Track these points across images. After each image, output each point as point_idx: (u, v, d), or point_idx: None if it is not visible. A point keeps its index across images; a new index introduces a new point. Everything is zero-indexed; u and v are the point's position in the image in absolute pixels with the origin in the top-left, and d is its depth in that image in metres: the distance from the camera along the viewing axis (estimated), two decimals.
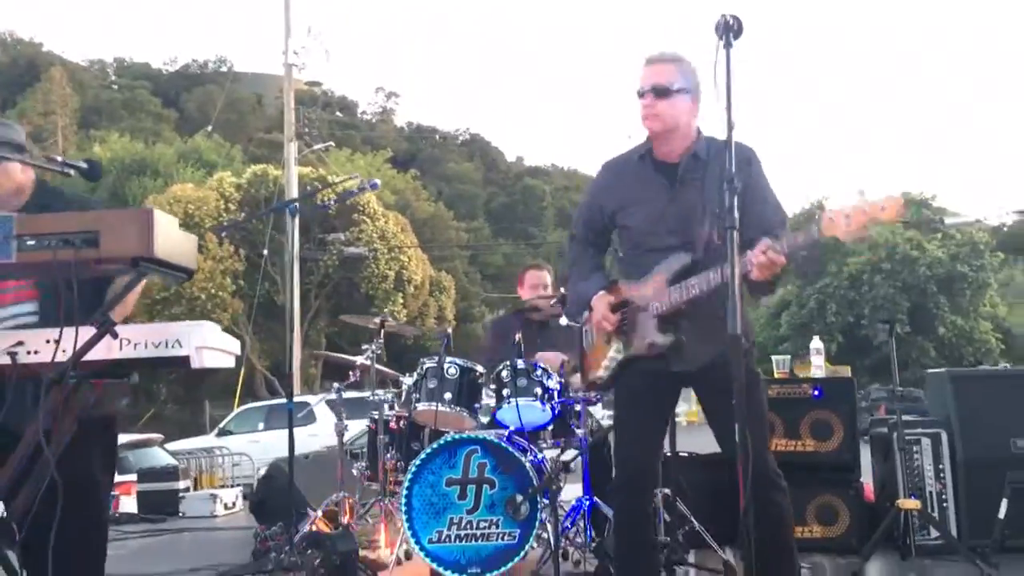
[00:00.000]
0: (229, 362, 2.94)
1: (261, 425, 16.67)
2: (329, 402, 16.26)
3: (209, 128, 34.97)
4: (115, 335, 2.56)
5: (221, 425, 17.03)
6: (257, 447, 14.21)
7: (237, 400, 20.64)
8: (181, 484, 8.34)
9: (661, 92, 2.94)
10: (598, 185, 3.27)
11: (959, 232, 33.77)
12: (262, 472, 11.70)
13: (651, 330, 2.97)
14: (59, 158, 2.96)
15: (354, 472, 5.04)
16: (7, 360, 2.65)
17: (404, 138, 65.54)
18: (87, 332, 2.54)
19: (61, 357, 2.60)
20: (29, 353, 2.65)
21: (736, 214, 2.23)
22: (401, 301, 26.65)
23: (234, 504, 8.16)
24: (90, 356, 2.56)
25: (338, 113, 62.29)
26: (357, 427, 11.30)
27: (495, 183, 66.67)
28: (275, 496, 5.49)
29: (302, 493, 5.36)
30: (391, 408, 4.81)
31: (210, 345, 2.76)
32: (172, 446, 13.34)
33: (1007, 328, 36.17)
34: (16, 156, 3.05)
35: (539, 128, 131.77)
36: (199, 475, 9.77)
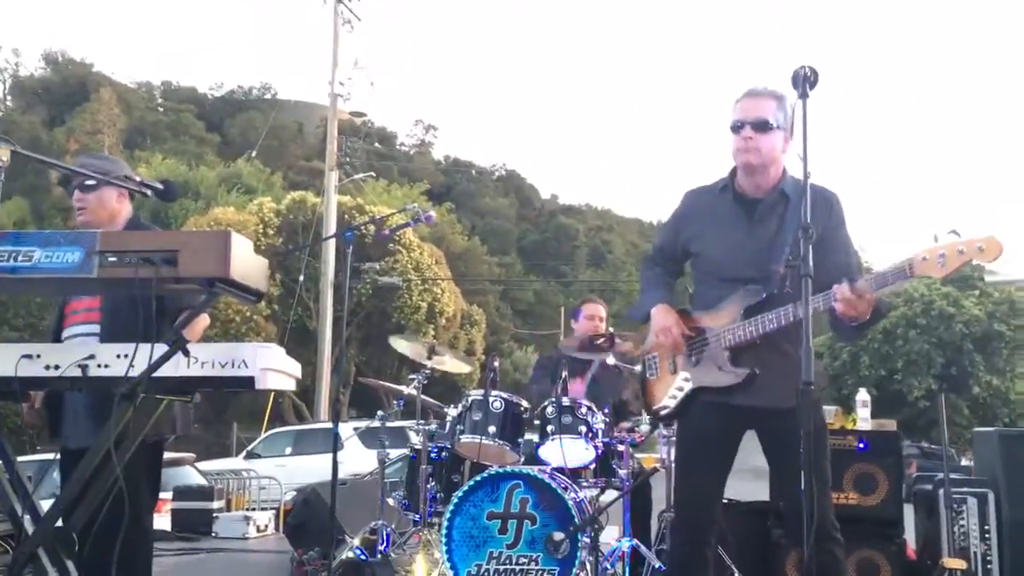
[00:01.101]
0: (290, 385, 3.00)
1: (289, 450, 16.74)
2: (356, 430, 16.43)
3: (253, 153, 35.50)
4: (187, 352, 2.62)
5: (249, 448, 17.10)
6: (284, 471, 14.25)
7: (265, 424, 20.76)
8: (215, 504, 8.41)
9: (761, 126, 2.93)
10: (677, 212, 3.30)
11: (997, 290, 33.35)
12: (289, 496, 11.76)
13: (724, 361, 2.98)
14: (138, 178, 3.07)
15: (390, 501, 5.06)
16: (78, 372, 2.73)
17: (440, 171, 66.08)
18: (158, 349, 2.61)
19: (131, 372, 2.68)
20: (100, 367, 2.72)
21: (811, 262, 2.25)
22: (432, 333, 26.71)
23: (266, 527, 8.20)
24: (159, 373, 2.62)
25: (377, 144, 63.04)
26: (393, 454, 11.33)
27: (528, 220, 66.93)
28: (312, 521, 5.50)
29: (339, 519, 5.36)
30: (431, 439, 4.83)
31: (274, 367, 2.81)
32: (200, 466, 13.42)
33: None
34: (109, 179, 3.15)
35: (574, 167, 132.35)
36: (230, 496, 9.82)
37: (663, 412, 3.22)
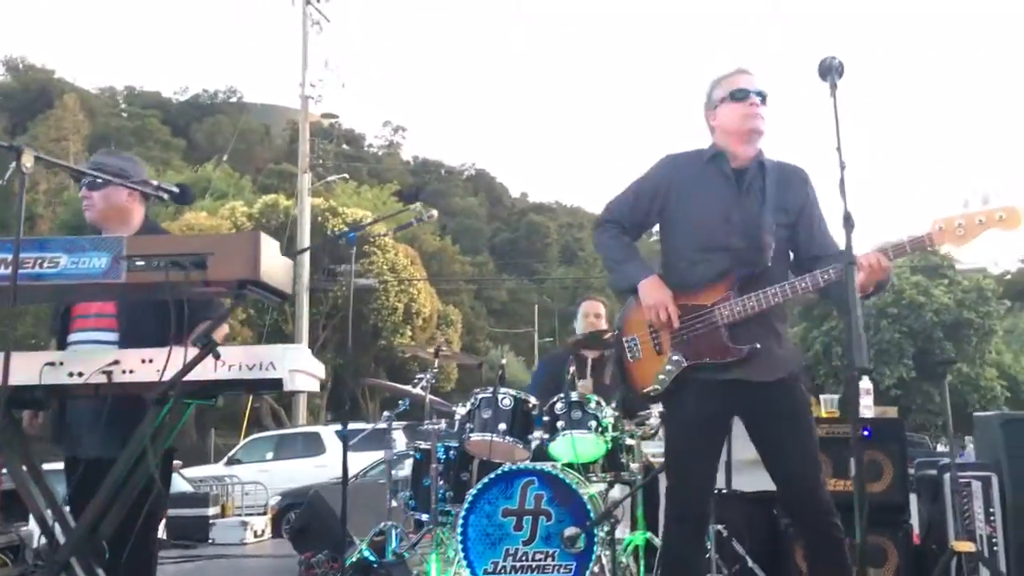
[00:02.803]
0: (315, 386, 2.98)
1: (270, 455, 16.62)
2: (338, 432, 16.35)
3: (224, 157, 35.22)
4: (217, 356, 2.59)
5: (230, 454, 16.95)
6: (267, 476, 14.17)
7: (244, 429, 20.59)
8: (211, 511, 8.33)
9: (764, 98, 3.00)
10: (659, 174, 3.17)
11: (966, 279, 33.85)
12: (274, 500, 11.66)
13: (723, 337, 2.92)
14: (155, 182, 3.04)
15: (393, 503, 5.05)
16: (103, 379, 2.69)
17: (410, 171, 65.94)
18: (185, 354, 2.58)
19: (156, 377, 2.66)
20: (124, 372, 2.69)
21: (852, 249, 2.28)
22: (409, 334, 26.67)
23: (263, 532, 8.14)
24: (189, 377, 2.59)
25: (345, 146, 62.69)
26: (371, 458, 11.24)
27: (499, 218, 67.02)
28: (316, 523, 5.47)
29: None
30: (428, 441, 4.80)
31: (301, 368, 2.80)
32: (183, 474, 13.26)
33: (1012, 375, 36.12)
34: (116, 180, 3.09)
35: (544, 165, 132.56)
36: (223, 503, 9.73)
37: (652, 394, 3.07)
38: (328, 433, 16.56)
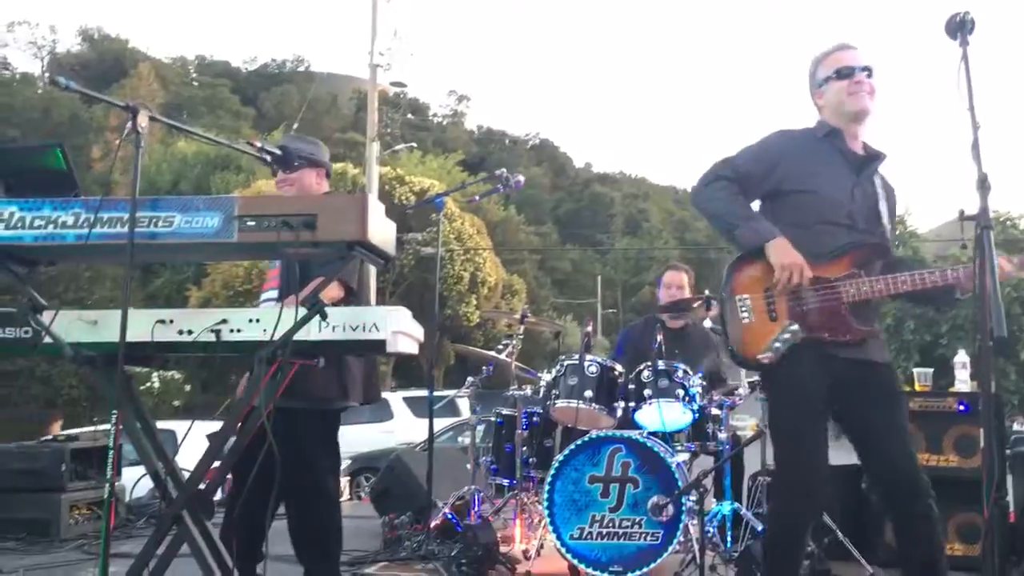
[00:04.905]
0: (415, 348, 2.99)
1: None
2: (406, 399, 16.47)
3: (295, 126, 35.53)
4: (324, 316, 2.62)
5: None
6: None
7: None
8: None
9: (871, 73, 2.97)
10: (776, 144, 3.07)
11: None
12: (344, 465, 11.83)
13: (845, 314, 2.86)
14: (258, 143, 3.07)
15: (468, 467, 5.08)
16: (211, 337, 2.73)
17: (474, 141, 65.92)
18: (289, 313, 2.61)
19: (262, 336, 2.70)
20: (232, 331, 2.73)
21: (990, 214, 2.20)
22: (474, 303, 26.75)
23: (342, 493, 8.28)
24: (295, 336, 2.62)
25: (410, 115, 62.89)
26: (439, 424, 11.35)
27: (563, 188, 66.72)
28: (397, 486, 5.53)
29: (422, 485, 5.40)
30: (513, 405, 4.82)
31: (404, 330, 2.81)
32: None
33: None
34: (203, 136, 3.16)
35: (608, 135, 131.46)
36: None
37: (765, 360, 2.92)
38: (396, 399, 16.74)
